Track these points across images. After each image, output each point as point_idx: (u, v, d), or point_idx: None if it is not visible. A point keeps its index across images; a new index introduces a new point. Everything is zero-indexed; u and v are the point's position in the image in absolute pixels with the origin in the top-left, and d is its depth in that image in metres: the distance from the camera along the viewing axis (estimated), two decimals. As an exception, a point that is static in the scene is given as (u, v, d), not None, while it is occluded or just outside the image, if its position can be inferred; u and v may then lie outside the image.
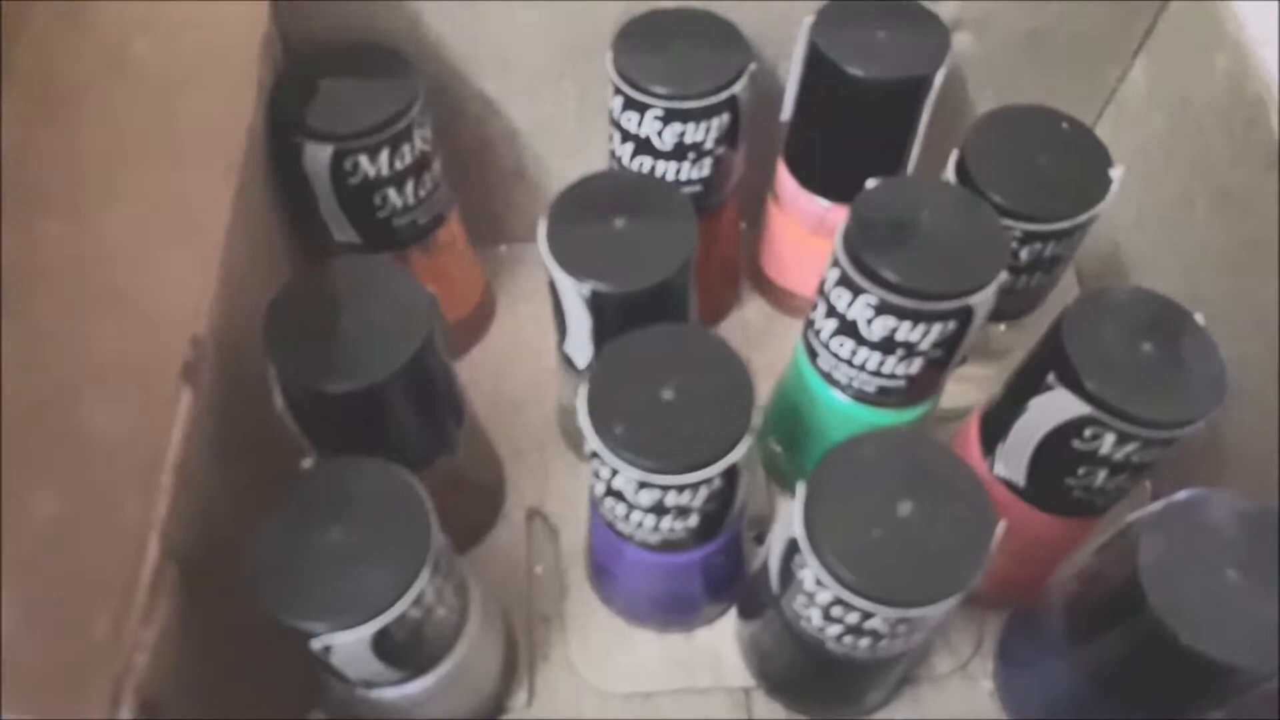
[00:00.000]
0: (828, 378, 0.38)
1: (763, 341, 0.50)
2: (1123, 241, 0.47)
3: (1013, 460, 0.36)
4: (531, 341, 0.50)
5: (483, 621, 0.36)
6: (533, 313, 0.51)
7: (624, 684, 0.41)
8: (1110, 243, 0.48)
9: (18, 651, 0.23)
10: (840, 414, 0.39)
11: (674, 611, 0.41)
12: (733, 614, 0.42)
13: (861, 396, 0.37)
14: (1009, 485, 0.37)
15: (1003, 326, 0.43)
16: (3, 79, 0.24)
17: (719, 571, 0.39)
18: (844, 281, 0.34)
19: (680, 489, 0.31)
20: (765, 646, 0.40)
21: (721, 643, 0.42)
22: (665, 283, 0.34)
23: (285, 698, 0.40)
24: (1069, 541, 0.39)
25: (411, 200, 0.41)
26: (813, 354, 0.38)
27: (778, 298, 0.51)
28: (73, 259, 0.26)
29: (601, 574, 0.41)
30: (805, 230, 0.46)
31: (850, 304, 0.34)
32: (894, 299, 0.33)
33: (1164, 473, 0.40)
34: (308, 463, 0.33)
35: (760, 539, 0.44)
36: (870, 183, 0.35)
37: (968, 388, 0.43)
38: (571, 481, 0.46)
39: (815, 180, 0.44)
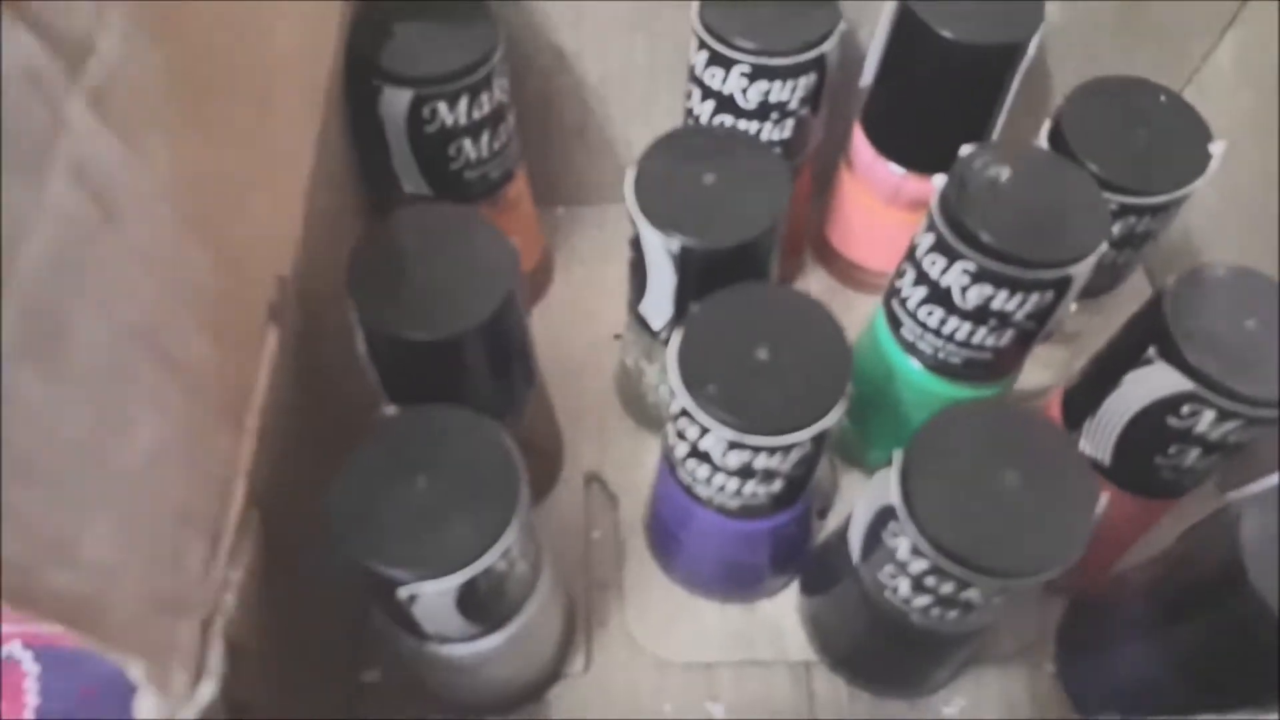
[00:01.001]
0: (910, 348, 0.37)
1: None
2: (1195, 225, 0.46)
3: (1100, 437, 0.35)
4: (590, 305, 0.49)
5: (552, 580, 0.35)
6: (590, 276, 0.51)
7: (683, 653, 0.41)
8: (1179, 226, 0.47)
9: (118, 584, 0.22)
10: (917, 387, 0.38)
11: (738, 582, 0.41)
12: (794, 588, 0.42)
13: (944, 369, 0.37)
14: (1093, 464, 0.36)
15: (1074, 306, 0.42)
16: (112, 2, 0.23)
17: (788, 541, 0.38)
18: (939, 246, 0.33)
19: (772, 451, 0.31)
20: (831, 621, 0.39)
21: (783, 616, 0.41)
22: (755, 240, 0.33)
23: (338, 656, 0.39)
24: (1147, 523, 0.38)
25: (485, 153, 0.40)
26: (896, 323, 0.37)
27: (842, 270, 0.50)
28: (172, 184, 0.25)
29: (665, 540, 0.40)
30: (878, 199, 0.45)
31: (945, 270, 0.33)
32: (993, 265, 0.32)
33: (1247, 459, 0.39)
34: (391, 409, 0.32)
35: (823, 514, 0.43)
36: (967, 147, 0.34)
37: (1038, 369, 0.42)
38: (630, 447, 0.45)
39: (893, 147, 0.43)
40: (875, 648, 0.38)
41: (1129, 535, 0.39)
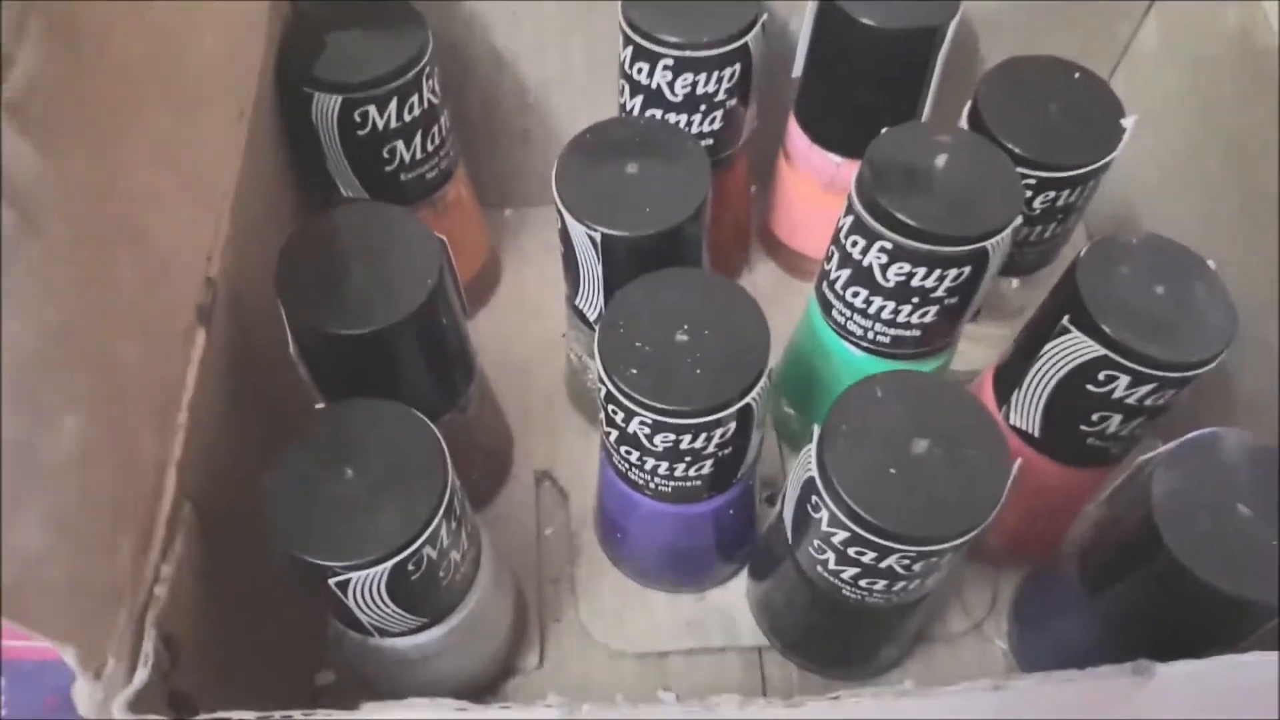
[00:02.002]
0: (842, 330, 0.37)
1: (773, 305, 0.48)
2: (1134, 197, 0.47)
3: (1027, 408, 0.36)
4: (538, 304, 0.50)
5: (495, 573, 0.36)
6: (539, 276, 0.51)
7: (636, 645, 0.41)
8: (1122, 199, 0.48)
9: (47, 571, 0.23)
10: (854, 368, 0.38)
11: (686, 570, 0.41)
12: (744, 575, 0.42)
13: (876, 348, 0.37)
14: (1023, 435, 0.37)
15: (1015, 283, 0.43)
16: (33, 10, 0.24)
17: (732, 526, 0.39)
18: (858, 228, 0.34)
19: (695, 431, 0.31)
20: (778, 604, 0.39)
21: (734, 603, 0.42)
22: (678, 228, 0.34)
23: (293, 658, 0.40)
24: (1083, 493, 0.38)
25: (420, 154, 0.41)
26: (826, 306, 0.38)
27: (788, 260, 0.51)
28: (93, 191, 0.26)
29: (613, 532, 0.41)
30: (817, 187, 0.46)
31: (865, 251, 0.34)
32: (908, 243, 0.33)
33: (1175, 425, 0.40)
34: (319, 405, 0.32)
35: (772, 500, 0.44)
36: (885, 130, 0.35)
37: (982, 347, 0.43)
38: (580, 444, 0.46)
39: (827, 135, 0.44)
40: (820, 628, 0.38)
41: (1069, 506, 0.39)
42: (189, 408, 0.29)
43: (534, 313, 0.50)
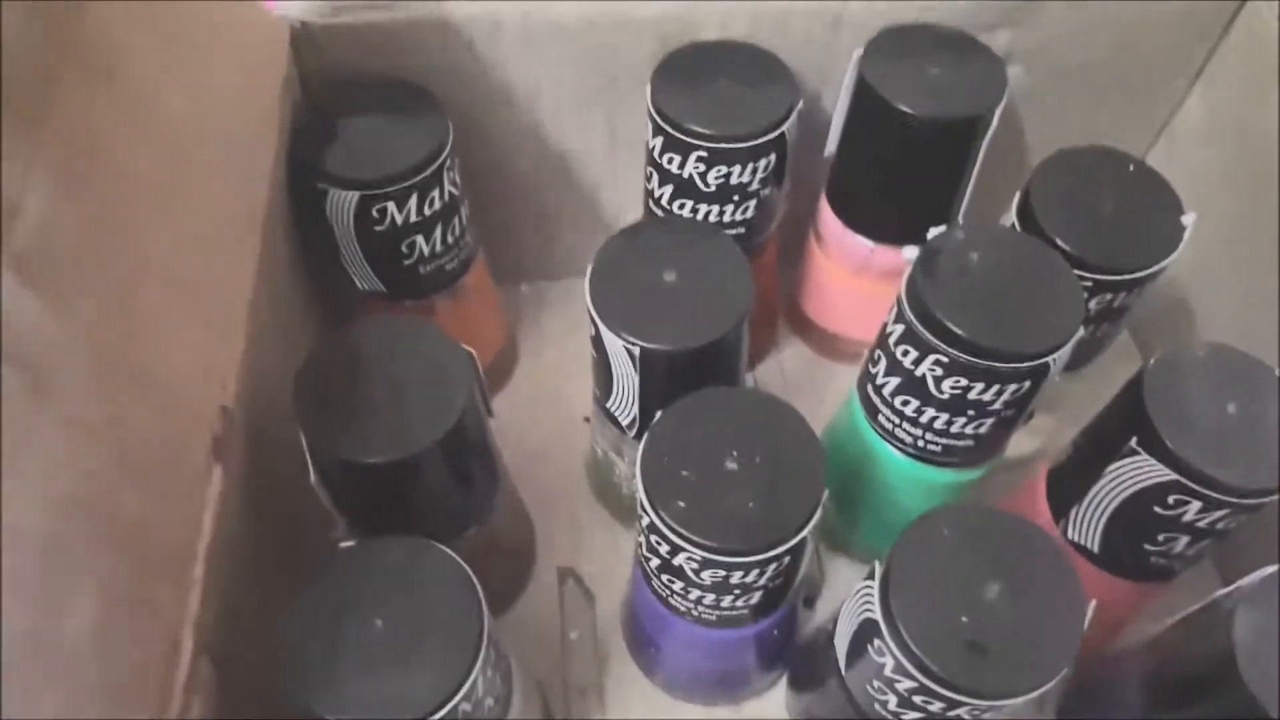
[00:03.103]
0: (889, 435, 0.36)
1: (803, 386, 0.48)
2: (1179, 280, 0.46)
3: (1087, 525, 0.34)
4: (556, 388, 0.48)
5: (523, 704, 0.34)
6: (557, 357, 0.49)
7: (670, 761, 0.39)
8: (1165, 285, 0.47)
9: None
10: (900, 473, 0.37)
11: (722, 686, 0.39)
12: (782, 684, 0.40)
13: (925, 456, 0.35)
14: (1081, 549, 0.35)
15: (1059, 376, 0.41)
16: (39, 147, 0.22)
17: (773, 645, 0.37)
18: (909, 338, 0.32)
19: (748, 568, 0.29)
20: (820, 717, 0.37)
21: (772, 714, 0.40)
22: (719, 341, 0.32)
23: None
24: (1139, 606, 0.37)
25: (439, 246, 0.39)
26: (872, 411, 0.36)
27: (819, 340, 0.49)
28: (103, 334, 0.24)
29: (645, 645, 0.38)
30: (848, 271, 0.44)
31: (917, 362, 0.32)
32: (966, 358, 0.31)
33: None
34: (344, 541, 0.30)
35: (809, 602, 0.42)
36: (934, 231, 0.33)
37: (1021, 437, 0.41)
38: (605, 538, 0.44)
39: (860, 220, 0.42)
40: (867, 749, 0.36)
41: (1122, 618, 0.38)
42: (206, 556, 0.27)
43: (552, 397, 0.47)
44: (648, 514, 0.30)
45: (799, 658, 0.39)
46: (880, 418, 0.35)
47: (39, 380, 0.21)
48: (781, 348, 0.50)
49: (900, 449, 0.36)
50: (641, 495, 0.30)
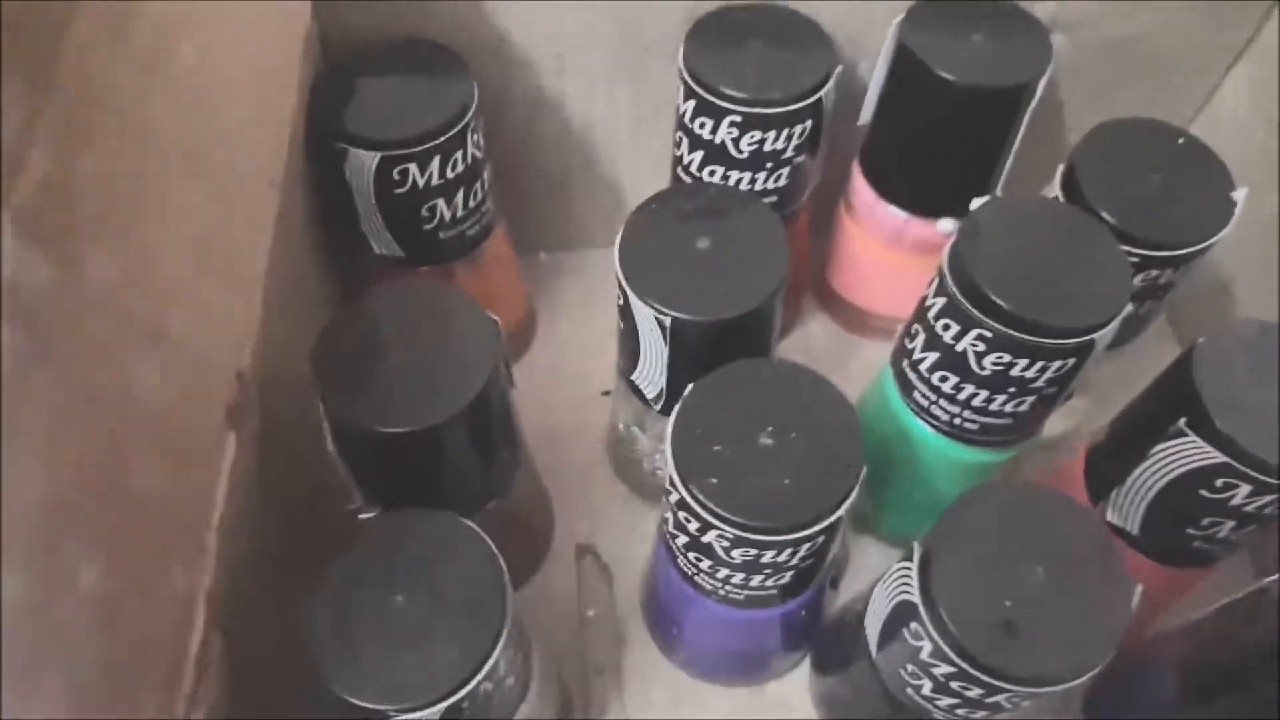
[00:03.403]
0: (924, 413, 0.35)
1: (829, 362, 0.47)
2: (1218, 263, 0.44)
3: (1128, 508, 0.33)
4: (575, 361, 0.47)
5: (541, 683, 0.33)
6: (575, 329, 0.48)
7: (688, 742, 0.38)
8: (1203, 264, 0.45)
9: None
10: (933, 451, 0.35)
11: (745, 667, 0.38)
12: (805, 665, 0.39)
13: (960, 434, 0.34)
14: (1120, 533, 0.34)
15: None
16: (46, 97, 0.21)
17: (799, 626, 0.36)
18: (951, 310, 0.31)
19: (780, 547, 0.28)
20: (844, 701, 0.36)
21: (793, 696, 0.39)
22: (754, 312, 0.31)
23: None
24: (1177, 592, 0.36)
25: (461, 211, 0.37)
26: (908, 387, 0.35)
27: (847, 315, 0.48)
28: (115, 293, 0.23)
29: (668, 626, 0.38)
30: (880, 243, 0.43)
31: (959, 336, 0.31)
32: (1010, 333, 0.30)
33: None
34: (361, 513, 0.29)
35: (835, 583, 0.41)
36: (977, 201, 0.32)
37: (1060, 417, 0.40)
38: (624, 515, 0.43)
39: (895, 190, 0.41)
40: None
41: (1160, 604, 0.36)
42: (219, 526, 0.26)
43: (571, 370, 0.46)
44: (678, 490, 0.29)
45: (824, 640, 0.38)
46: (915, 394, 0.34)
47: (45, 342, 0.20)
48: (806, 322, 0.49)
49: (935, 426, 0.35)
50: (672, 470, 0.29)
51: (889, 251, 0.43)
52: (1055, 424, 0.41)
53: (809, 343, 0.48)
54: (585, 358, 0.46)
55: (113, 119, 0.23)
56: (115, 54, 0.24)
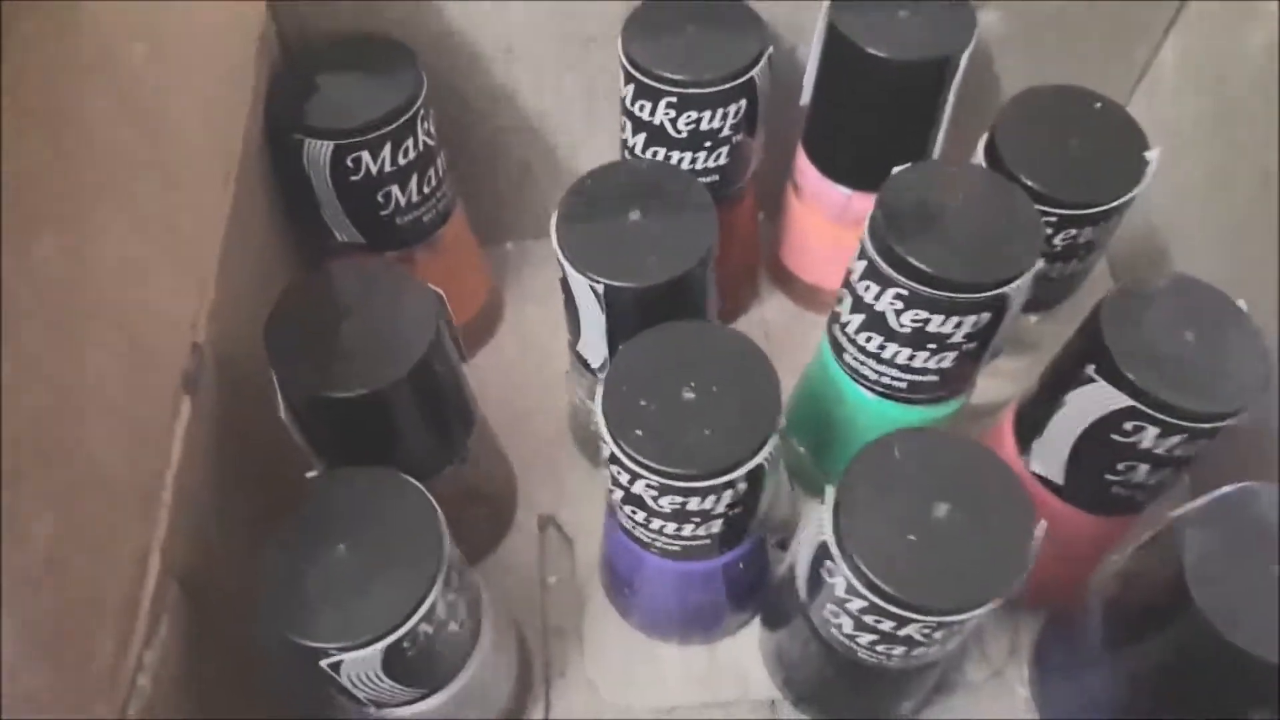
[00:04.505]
0: (855, 374, 0.36)
1: (785, 338, 0.48)
2: (1157, 225, 0.46)
3: (1050, 456, 0.35)
4: (541, 343, 0.48)
5: (495, 637, 0.35)
6: (541, 313, 0.50)
7: (645, 700, 0.40)
8: (1144, 226, 0.47)
9: (21, 679, 0.22)
10: (869, 412, 0.37)
11: (696, 623, 0.40)
12: (756, 623, 0.41)
13: (891, 393, 0.36)
14: (1045, 482, 0.35)
15: (1034, 318, 0.42)
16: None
17: (742, 580, 0.37)
18: (871, 273, 0.33)
19: (703, 494, 0.30)
20: (791, 656, 0.38)
21: (745, 654, 0.40)
22: (682, 278, 0.33)
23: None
24: (1107, 540, 0.37)
25: (415, 197, 0.39)
26: (839, 349, 0.36)
27: (799, 292, 0.49)
28: (68, 276, 0.25)
29: (620, 585, 0.39)
30: (827, 219, 0.44)
31: (878, 296, 0.33)
32: (925, 290, 0.31)
33: (1204, 467, 0.38)
34: (313, 474, 0.31)
35: (784, 545, 0.42)
36: (897, 169, 0.34)
37: (1001, 382, 0.42)
38: (586, 488, 0.45)
39: (837, 167, 0.42)
40: (834, 683, 0.37)
41: (1092, 553, 0.38)
42: (174, 483, 0.28)
43: (536, 351, 0.48)
44: (608, 444, 0.30)
45: (770, 598, 0.39)
46: (846, 356, 0.36)
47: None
48: (764, 301, 0.50)
49: (867, 387, 0.36)
50: (601, 425, 0.30)
51: (835, 228, 0.44)
52: (1000, 387, 0.42)
53: (766, 319, 0.50)
54: (550, 340, 0.48)
55: (56, 108, 0.25)
56: (61, 46, 0.26)
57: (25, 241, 0.24)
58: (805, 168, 0.44)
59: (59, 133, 0.26)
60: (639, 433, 0.30)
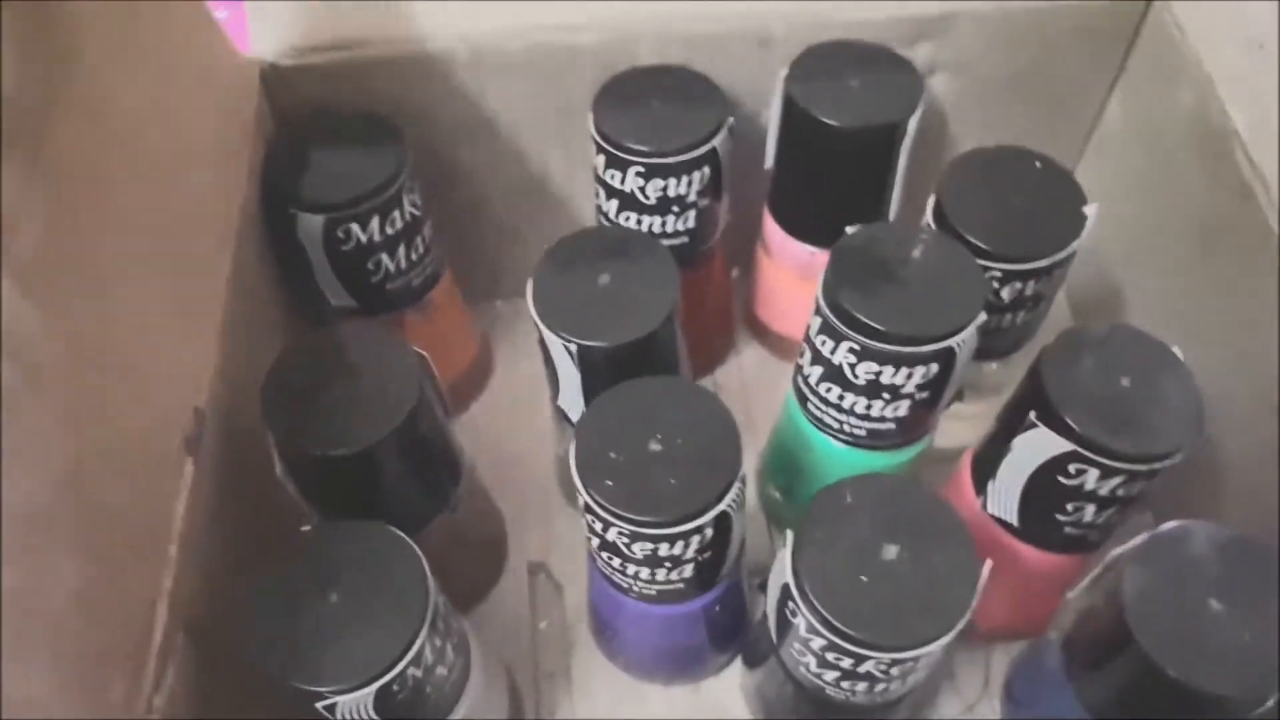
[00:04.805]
0: (819, 423, 0.38)
1: (761, 387, 0.51)
2: (1114, 273, 0.48)
3: (1003, 498, 0.37)
4: (530, 396, 0.50)
5: (485, 679, 0.36)
6: (531, 367, 0.51)
7: (631, 740, 0.42)
8: (1103, 273, 0.49)
9: (52, 716, 0.24)
10: (834, 458, 0.39)
11: (679, 664, 0.42)
12: (738, 663, 0.43)
13: (853, 440, 0.38)
14: (1002, 523, 0.37)
15: (994, 365, 0.44)
16: (36, 171, 0.25)
17: (720, 622, 0.39)
18: (826, 329, 0.35)
19: (672, 540, 0.32)
20: (769, 695, 0.40)
21: (727, 694, 0.42)
22: (650, 336, 0.35)
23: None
24: (1066, 577, 0.38)
25: (404, 264, 0.42)
26: (803, 399, 0.38)
27: (773, 343, 0.52)
28: (92, 338, 0.27)
29: (604, 629, 0.41)
30: (794, 275, 0.47)
31: (834, 350, 0.35)
32: (874, 344, 0.34)
33: (1166, 504, 0.40)
34: (306, 527, 0.33)
35: (764, 586, 0.44)
36: (849, 229, 0.36)
37: (962, 426, 0.44)
38: (574, 535, 0.46)
39: (800, 227, 0.45)
40: None
41: (1053, 590, 0.39)
42: (179, 539, 0.30)
43: (527, 404, 0.50)
44: (581, 494, 0.32)
45: (750, 639, 0.41)
46: (810, 405, 0.38)
47: (34, 376, 0.25)
48: (740, 351, 0.53)
49: (831, 434, 0.38)
50: (575, 476, 0.32)
51: (802, 283, 0.47)
52: (960, 432, 0.44)
53: (742, 368, 0.52)
54: (540, 392, 0.49)
55: (88, 191, 0.28)
56: (91, 136, 0.29)
57: (63, 310, 0.26)
58: (771, 227, 0.46)
59: (91, 210, 0.28)
60: (609, 482, 0.32)
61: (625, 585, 0.35)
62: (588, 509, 0.33)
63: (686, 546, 0.32)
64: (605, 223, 0.43)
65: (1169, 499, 0.39)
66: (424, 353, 0.35)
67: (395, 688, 0.30)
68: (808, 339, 0.37)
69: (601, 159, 0.41)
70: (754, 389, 0.51)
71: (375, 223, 0.39)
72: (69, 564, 0.26)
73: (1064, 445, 0.33)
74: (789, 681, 0.35)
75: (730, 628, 0.41)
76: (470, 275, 0.50)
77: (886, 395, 0.35)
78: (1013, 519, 0.37)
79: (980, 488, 0.38)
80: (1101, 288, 0.49)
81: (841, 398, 0.36)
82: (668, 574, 0.34)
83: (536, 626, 0.44)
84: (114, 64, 0.31)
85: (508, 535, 0.47)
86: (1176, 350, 0.34)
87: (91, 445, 0.27)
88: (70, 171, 0.28)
